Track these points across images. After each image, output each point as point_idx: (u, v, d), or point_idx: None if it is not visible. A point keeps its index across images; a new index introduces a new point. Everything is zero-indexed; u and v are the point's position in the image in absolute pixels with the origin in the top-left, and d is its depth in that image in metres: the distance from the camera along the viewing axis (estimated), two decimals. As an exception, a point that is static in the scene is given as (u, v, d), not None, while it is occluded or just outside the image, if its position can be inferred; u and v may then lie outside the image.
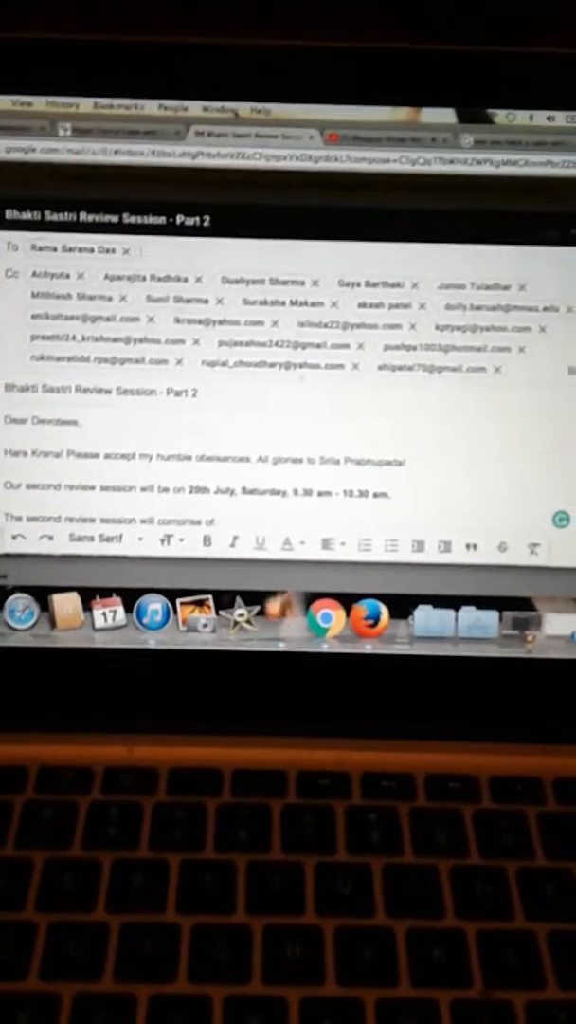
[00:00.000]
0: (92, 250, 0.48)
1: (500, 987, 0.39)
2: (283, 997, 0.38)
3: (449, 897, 0.42)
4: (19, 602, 0.49)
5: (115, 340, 0.48)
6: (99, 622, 0.49)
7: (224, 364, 0.48)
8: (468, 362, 0.48)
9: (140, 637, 0.49)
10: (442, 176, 0.47)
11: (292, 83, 0.47)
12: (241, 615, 0.49)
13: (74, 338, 0.48)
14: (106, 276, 0.48)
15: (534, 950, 0.40)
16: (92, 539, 0.48)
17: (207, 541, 0.49)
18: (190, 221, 0.48)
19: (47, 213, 0.47)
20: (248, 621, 0.49)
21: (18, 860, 0.42)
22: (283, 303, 0.48)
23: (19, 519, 0.48)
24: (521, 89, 0.47)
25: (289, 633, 0.49)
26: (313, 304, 0.48)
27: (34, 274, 0.48)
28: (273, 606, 0.49)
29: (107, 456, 0.48)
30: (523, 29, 0.47)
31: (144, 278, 0.48)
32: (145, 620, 0.49)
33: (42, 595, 0.49)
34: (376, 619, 0.49)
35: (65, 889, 0.41)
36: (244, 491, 0.48)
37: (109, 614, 0.49)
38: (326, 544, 0.49)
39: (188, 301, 0.48)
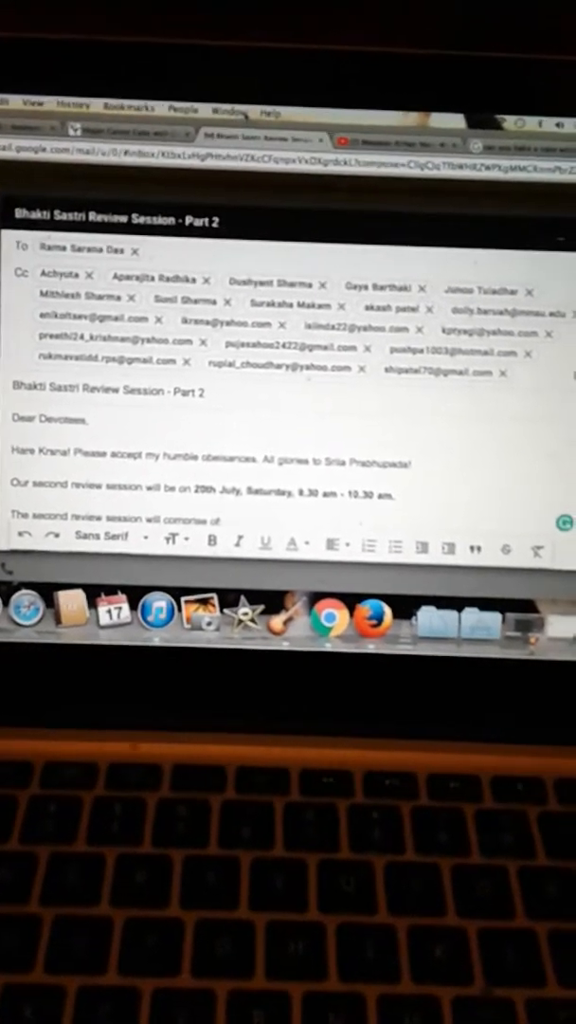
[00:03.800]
0: (101, 250, 0.48)
1: (501, 984, 0.39)
2: (286, 992, 0.38)
3: (451, 895, 0.42)
4: (25, 598, 0.49)
5: (123, 339, 0.48)
6: (104, 619, 0.49)
7: (231, 365, 0.48)
8: (474, 366, 0.48)
9: (144, 635, 0.49)
10: (451, 181, 0.48)
11: (302, 86, 0.47)
12: (245, 614, 0.49)
13: (82, 337, 0.48)
14: (115, 276, 0.48)
15: (535, 948, 0.40)
16: (98, 537, 0.49)
17: (212, 540, 0.49)
18: (199, 222, 0.48)
19: (56, 212, 0.48)
20: (252, 620, 0.49)
21: (23, 854, 0.42)
22: (290, 305, 0.48)
23: (25, 516, 0.48)
24: (530, 95, 0.47)
25: (293, 632, 0.50)
26: (320, 306, 0.48)
27: (43, 273, 0.48)
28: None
29: (114, 455, 0.48)
30: (533, 35, 0.47)
31: (152, 278, 0.48)
32: (150, 618, 0.49)
33: (47, 592, 0.49)
34: (379, 619, 0.49)
35: (69, 883, 0.41)
36: (250, 491, 0.49)
37: (114, 611, 0.49)
38: (331, 544, 0.49)
39: (196, 302, 0.48)
